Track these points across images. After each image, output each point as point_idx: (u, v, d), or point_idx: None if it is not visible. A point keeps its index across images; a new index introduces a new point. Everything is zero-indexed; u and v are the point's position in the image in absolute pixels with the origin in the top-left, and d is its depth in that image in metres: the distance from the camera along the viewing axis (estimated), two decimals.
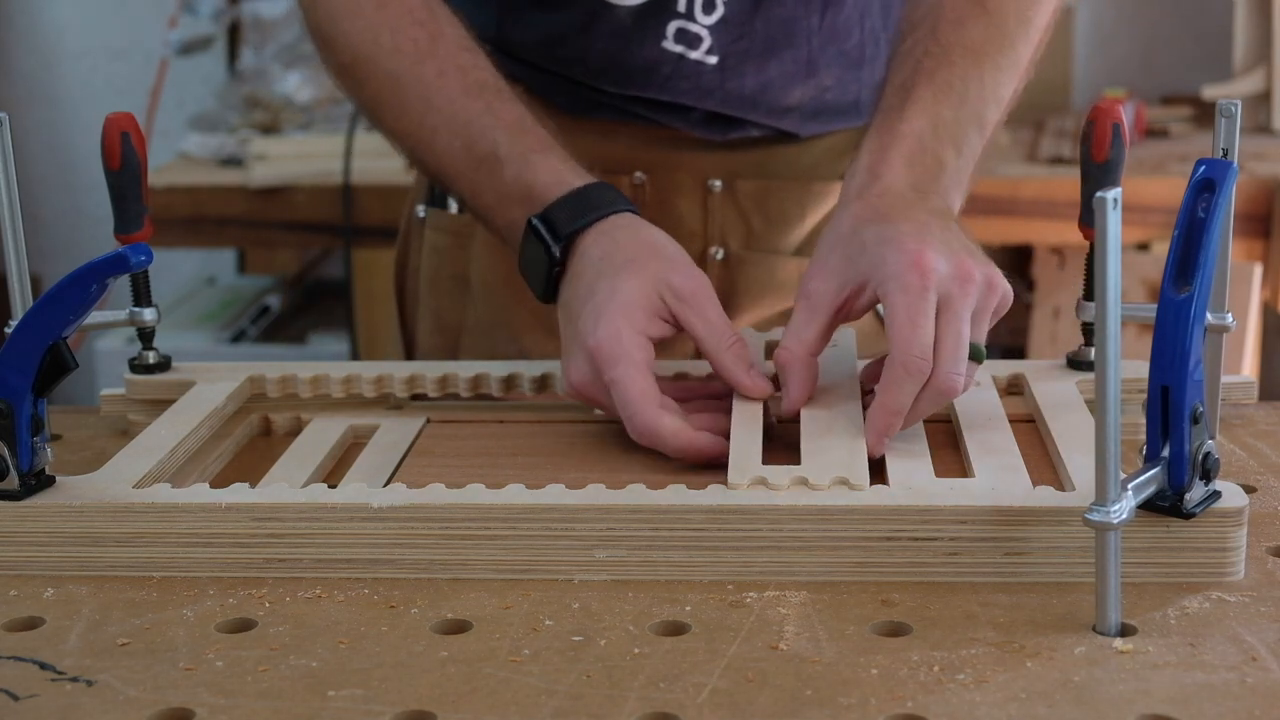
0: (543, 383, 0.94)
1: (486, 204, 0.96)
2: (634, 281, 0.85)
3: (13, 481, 0.74)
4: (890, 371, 0.78)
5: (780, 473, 0.74)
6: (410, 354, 1.22)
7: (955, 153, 0.90)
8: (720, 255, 1.13)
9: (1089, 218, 0.87)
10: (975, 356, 0.80)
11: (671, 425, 0.81)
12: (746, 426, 0.82)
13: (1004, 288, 0.81)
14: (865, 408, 0.81)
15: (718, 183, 1.11)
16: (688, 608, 0.69)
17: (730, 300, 1.14)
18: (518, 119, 0.95)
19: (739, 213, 1.12)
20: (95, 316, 0.90)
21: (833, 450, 0.77)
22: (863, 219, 0.84)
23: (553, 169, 0.92)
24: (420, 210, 1.20)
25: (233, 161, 2.35)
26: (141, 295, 0.94)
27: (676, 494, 0.72)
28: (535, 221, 0.90)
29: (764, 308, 1.14)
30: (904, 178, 0.87)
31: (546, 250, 0.89)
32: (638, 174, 1.10)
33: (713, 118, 1.09)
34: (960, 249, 0.81)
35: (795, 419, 0.82)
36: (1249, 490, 0.80)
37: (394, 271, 1.24)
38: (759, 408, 0.84)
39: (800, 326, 0.83)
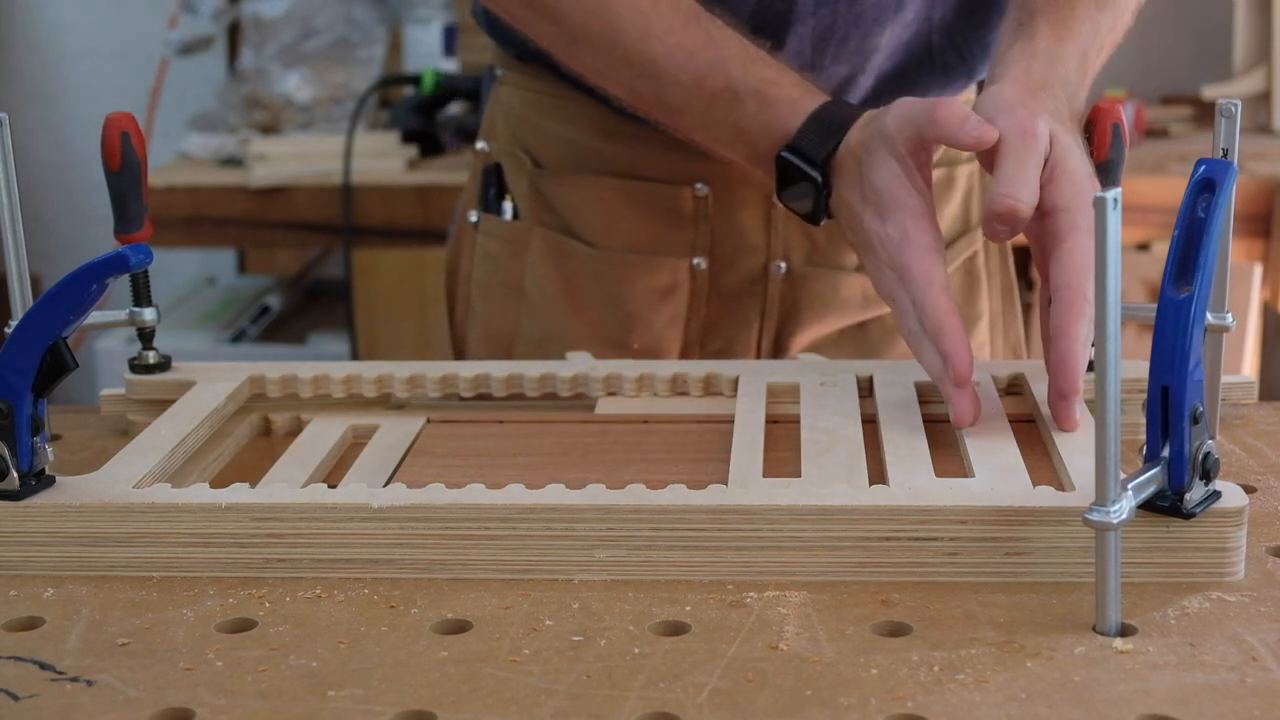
0: (543, 383, 0.94)
1: (723, 138, 0.97)
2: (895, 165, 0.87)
3: (13, 481, 0.74)
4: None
5: (780, 484, 0.74)
6: (460, 360, 1.21)
7: (1063, 88, 0.91)
8: (783, 270, 1.11)
9: None
10: None
11: (957, 318, 0.83)
12: (747, 439, 0.82)
13: None
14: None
15: None
16: (688, 608, 0.69)
17: (792, 316, 1.13)
18: (741, 49, 0.95)
19: (802, 227, 1.10)
20: (95, 316, 0.90)
21: (832, 467, 0.77)
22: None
23: (789, 99, 0.94)
24: (473, 215, 1.19)
25: (233, 161, 2.35)
26: (141, 295, 0.94)
27: (676, 494, 0.72)
28: (787, 155, 0.92)
29: (826, 324, 1.13)
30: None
31: (808, 179, 0.91)
32: (699, 185, 1.09)
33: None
34: None
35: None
36: (1249, 490, 0.80)
37: (444, 275, 1.23)
38: (760, 422, 0.84)
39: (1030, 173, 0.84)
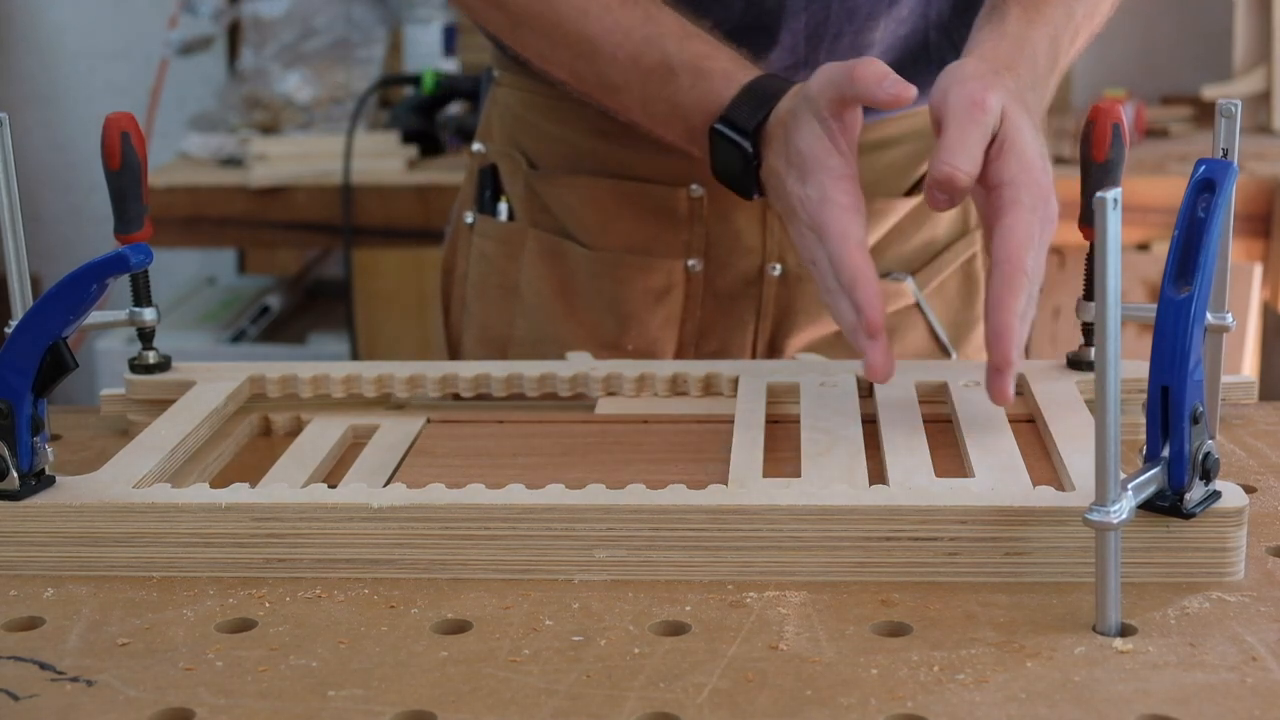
0: (543, 383, 0.94)
1: (659, 113, 0.97)
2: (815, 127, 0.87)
3: (13, 481, 0.74)
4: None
5: (780, 484, 0.74)
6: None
7: (1030, 70, 0.91)
8: (778, 272, 1.11)
9: (1089, 218, 0.87)
10: None
11: (871, 271, 0.82)
12: (747, 439, 0.82)
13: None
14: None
15: None
16: (688, 608, 0.69)
17: (787, 318, 1.13)
18: (678, 25, 0.96)
19: None
20: (95, 316, 0.90)
21: (832, 467, 0.77)
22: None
23: (724, 72, 0.94)
24: (469, 216, 1.19)
25: (233, 161, 2.35)
26: (141, 295, 0.94)
27: (676, 494, 0.72)
28: (719, 126, 0.92)
29: (821, 326, 1.13)
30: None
31: (739, 149, 0.91)
32: (694, 186, 1.09)
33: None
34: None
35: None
36: (1249, 490, 0.80)
37: (440, 276, 1.23)
38: (760, 422, 0.84)
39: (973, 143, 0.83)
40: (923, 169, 1.13)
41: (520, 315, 1.15)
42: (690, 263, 1.10)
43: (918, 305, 1.14)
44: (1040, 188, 0.84)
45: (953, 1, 1.07)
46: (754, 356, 1.13)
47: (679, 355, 1.13)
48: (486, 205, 1.17)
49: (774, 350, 1.14)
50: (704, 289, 1.11)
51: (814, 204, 0.86)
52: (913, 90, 0.84)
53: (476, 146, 1.19)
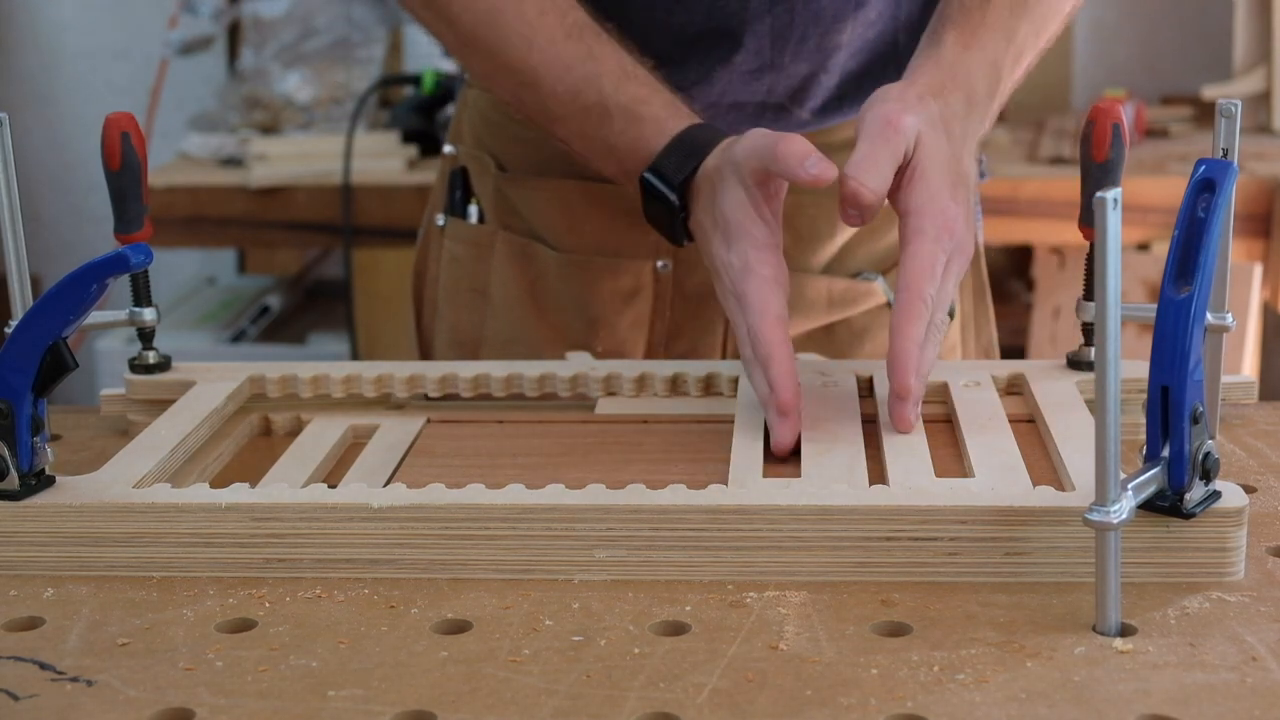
0: (543, 383, 0.94)
1: (594, 151, 0.98)
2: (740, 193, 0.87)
3: (13, 481, 0.74)
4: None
5: (780, 484, 0.74)
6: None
7: (964, 96, 0.91)
8: None
9: (1089, 218, 0.87)
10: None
11: (786, 348, 0.83)
12: (747, 439, 0.82)
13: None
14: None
15: None
16: (688, 608, 0.69)
17: None
18: (619, 64, 0.96)
19: None
20: (95, 316, 0.90)
21: (832, 466, 0.77)
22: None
23: (656, 119, 0.95)
24: (440, 219, 1.19)
25: (233, 161, 2.35)
26: (141, 295, 0.94)
27: (676, 494, 0.72)
28: (648, 176, 0.93)
29: (792, 327, 1.12)
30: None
31: (666, 202, 0.92)
32: None
33: (757, 75, 1.06)
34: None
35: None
36: (1249, 490, 0.80)
37: (411, 279, 1.23)
38: (760, 422, 0.84)
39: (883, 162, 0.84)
40: None
41: (490, 318, 1.15)
42: (659, 264, 1.10)
43: (889, 305, 1.14)
44: (944, 218, 0.84)
45: (922, 3, 1.07)
46: (724, 358, 1.13)
47: (648, 356, 1.12)
48: (457, 207, 1.17)
49: None
50: (673, 290, 1.11)
51: (736, 271, 0.87)
52: (834, 170, 0.84)
53: (448, 149, 1.20)
